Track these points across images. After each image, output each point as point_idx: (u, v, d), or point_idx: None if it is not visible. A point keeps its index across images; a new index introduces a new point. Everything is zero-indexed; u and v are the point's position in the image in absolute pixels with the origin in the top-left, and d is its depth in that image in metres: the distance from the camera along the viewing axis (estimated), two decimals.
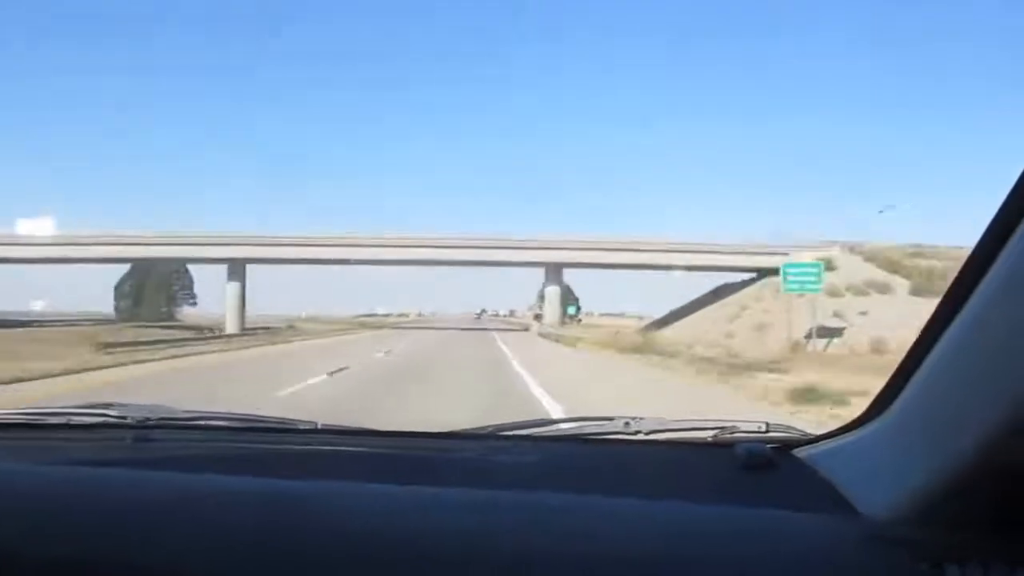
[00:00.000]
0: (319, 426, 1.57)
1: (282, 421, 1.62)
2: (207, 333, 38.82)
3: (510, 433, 1.50)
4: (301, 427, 1.57)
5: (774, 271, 43.85)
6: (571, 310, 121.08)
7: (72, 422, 1.54)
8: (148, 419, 1.51)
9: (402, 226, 49.26)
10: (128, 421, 1.51)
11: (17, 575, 0.86)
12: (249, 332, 40.85)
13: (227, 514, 0.96)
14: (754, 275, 46.53)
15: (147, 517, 0.94)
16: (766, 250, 46.30)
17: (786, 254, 46.04)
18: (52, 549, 0.89)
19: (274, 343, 30.96)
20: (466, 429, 1.56)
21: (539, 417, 2.17)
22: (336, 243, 47.57)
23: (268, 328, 45.40)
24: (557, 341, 33.88)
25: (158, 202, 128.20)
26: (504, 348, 24.96)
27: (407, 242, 48.25)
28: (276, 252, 47.26)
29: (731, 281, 48.84)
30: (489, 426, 1.54)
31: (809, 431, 1.37)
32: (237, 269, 47.67)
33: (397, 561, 0.85)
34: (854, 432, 1.08)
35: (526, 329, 58.63)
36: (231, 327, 44.79)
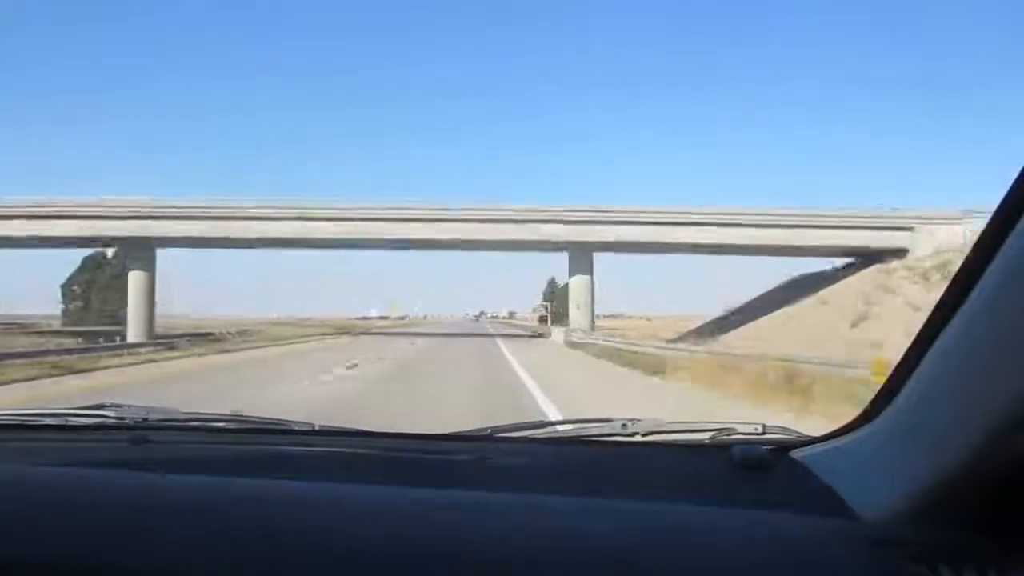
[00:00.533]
0: (316, 427, 1.55)
1: (279, 423, 1.62)
2: (100, 341, 26.86)
3: (507, 435, 1.48)
4: (298, 428, 1.55)
5: (893, 252, 32.15)
6: None
7: (70, 423, 1.55)
8: (146, 420, 1.52)
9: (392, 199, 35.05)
10: (126, 422, 1.51)
11: None
12: (163, 340, 29.01)
13: (225, 515, 0.95)
14: (852, 260, 34.42)
15: (145, 518, 0.94)
16: (876, 222, 32.74)
17: (909, 228, 33.95)
18: (49, 551, 0.88)
19: (137, 363, 18.88)
20: (463, 431, 1.55)
21: (537, 419, 1.87)
22: (294, 215, 34.18)
23: (200, 335, 33.47)
24: (624, 364, 18.43)
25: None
26: (543, 396, 10.88)
27: (394, 213, 34.77)
28: (203, 229, 33.75)
29: (811, 271, 36.79)
30: (487, 428, 1.52)
31: (805, 433, 1.32)
32: (141, 252, 34.92)
33: (391, 562, 0.85)
34: (851, 434, 1.07)
35: (538, 335, 44.32)
36: (134, 333, 32.57)
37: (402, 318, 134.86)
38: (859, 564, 0.83)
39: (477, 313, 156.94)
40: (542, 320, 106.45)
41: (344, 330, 57.36)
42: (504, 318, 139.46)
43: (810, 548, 0.87)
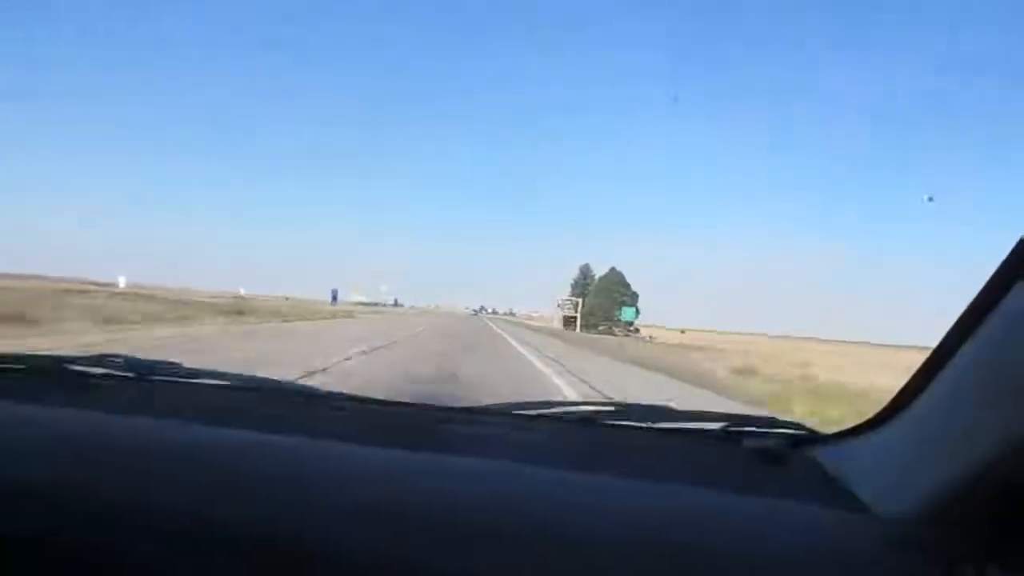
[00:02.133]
0: (332, 393, 1.58)
1: (286, 384, 1.66)
2: None
3: (522, 412, 1.52)
4: (310, 392, 1.58)
5: None
6: (628, 314, 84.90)
7: (73, 369, 1.57)
8: (152, 371, 1.54)
9: None
10: (131, 375, 1.53)
11: (14, 514, 0.87)
12: None
13: (238, 463, 0.98)
14: None
15: (149, 459, 0.97)
16: None
17: None
18: (56, 478, 0.91)
19: None
20: (482, 405, 1.61)
21: (556, 399, 2.04)
22: None
23: None
24: None
25: None
26: None
27: None
28: None
29: None
30: (504, 403, 1.56)
31: (817, 430, 1.33)
32: None
33: (407, 522, 0.86)
34: (867, 433, 1.08)
35: None
36: None
37: (398, 305, 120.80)
38: (872, 562, 0.83)
39: (476, 308, 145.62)
40: (568, 323, 79.78)
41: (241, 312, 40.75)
42: (504, 315, 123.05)
43: (822, 542, 0.86)
